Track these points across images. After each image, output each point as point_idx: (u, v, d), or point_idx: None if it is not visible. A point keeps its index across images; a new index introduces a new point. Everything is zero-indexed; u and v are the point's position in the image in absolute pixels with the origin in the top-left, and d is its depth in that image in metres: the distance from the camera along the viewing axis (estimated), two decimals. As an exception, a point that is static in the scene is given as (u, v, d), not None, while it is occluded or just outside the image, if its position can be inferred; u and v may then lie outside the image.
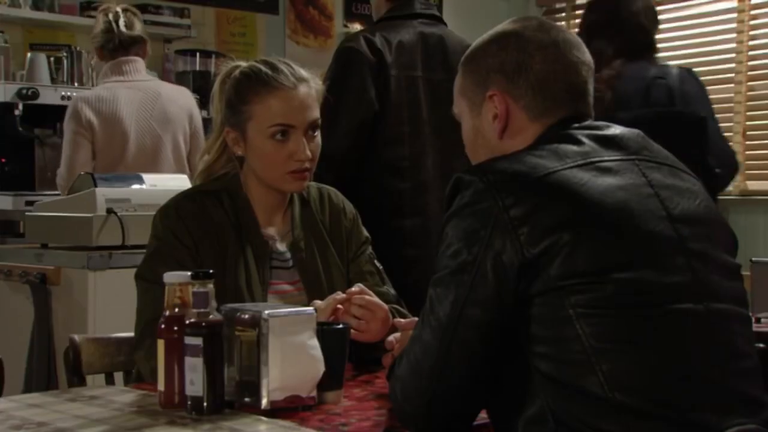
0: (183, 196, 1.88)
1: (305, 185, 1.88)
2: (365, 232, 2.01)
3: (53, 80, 4.27)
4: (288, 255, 1.89)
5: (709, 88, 5.01)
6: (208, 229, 1.82)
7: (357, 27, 5.48)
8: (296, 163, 1.82)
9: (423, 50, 2.60)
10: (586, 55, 1.46)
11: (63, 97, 4.12)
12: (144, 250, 1.86)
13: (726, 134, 5.00)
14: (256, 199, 1.88)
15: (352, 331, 1.66)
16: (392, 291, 1.95)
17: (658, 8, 5.30)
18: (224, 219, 1.84)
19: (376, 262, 1.98)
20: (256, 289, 1.81)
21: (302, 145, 1.81)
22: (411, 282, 2.26)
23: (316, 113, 1.84)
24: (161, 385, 1.46)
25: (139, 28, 3.38)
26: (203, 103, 4.28)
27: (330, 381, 1.50)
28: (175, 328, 1.45)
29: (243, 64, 1.87)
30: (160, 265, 1.71)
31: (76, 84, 4.33)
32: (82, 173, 3.01)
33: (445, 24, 2.74)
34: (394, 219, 2.54)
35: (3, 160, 4.17)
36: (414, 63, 2.58)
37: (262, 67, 1.84)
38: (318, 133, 1.86)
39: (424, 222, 2.55)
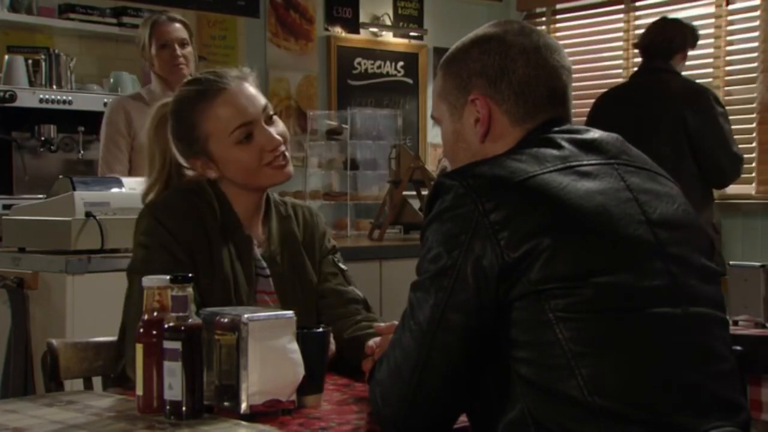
0: (173, 193, 1.85)
1: (290, 171, 1.84)
2: (333, 243, 2.00)
3: (31, 83, 4.24)
4: (265, 264, 1.88)
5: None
6: (197, 225, 1.80)
7: (338, 30, 5.47)
8: (270, 153, 1.80)
9: None
10: (566, 60, 1.46)
11: (41, 100, 4.08)
12: (123, 254, 1.85)
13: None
14: (234, 200, 1.87)
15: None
16: (358, 291, 1.95)
17: (636, 13, 5.38)
18: (210, 216, 1.83)
19: (340, 264, 1.97)
20: (242, 286, 1.80)
21: (269, 134, 1.80)
22: None
23: (263, 99, 1.83)
24: (140, 390, 1.45)
25: None
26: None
27: (310, 385, 1.50)
28: (154, 332, 1.44)
29: (167, 100, 1.86)
30: (156, 260, 1.70)
31: (54, 87, 4.29)
32: (60, 177, 2.99)
33: None
34: None
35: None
36: None
37: (190, 87, 1.82)
38: (276, 117, 1.85)
39: None
